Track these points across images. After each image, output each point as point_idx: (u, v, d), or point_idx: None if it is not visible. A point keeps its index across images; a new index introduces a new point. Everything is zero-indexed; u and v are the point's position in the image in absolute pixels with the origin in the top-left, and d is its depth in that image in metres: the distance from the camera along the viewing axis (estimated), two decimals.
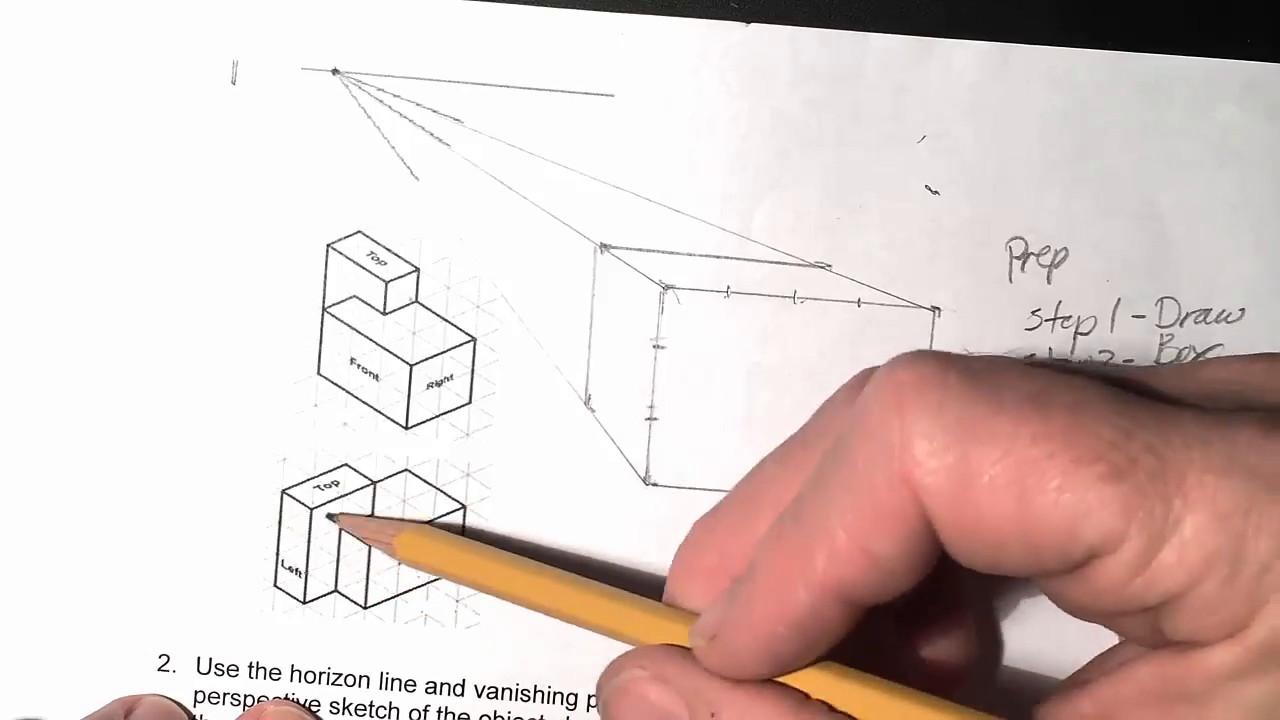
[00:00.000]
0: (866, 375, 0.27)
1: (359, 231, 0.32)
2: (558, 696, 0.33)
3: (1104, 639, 0.27)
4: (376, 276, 0.32)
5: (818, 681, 0.26)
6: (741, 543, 0.28)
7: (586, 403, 0.32)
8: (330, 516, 0.32)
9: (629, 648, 0.28)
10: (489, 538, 0.32)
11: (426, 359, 0.32)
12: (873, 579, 0.24)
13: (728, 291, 0.32)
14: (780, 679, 0.26)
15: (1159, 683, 0.24)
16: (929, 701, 0.26)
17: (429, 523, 0.32)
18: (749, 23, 0.32)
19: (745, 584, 0.26)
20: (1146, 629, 0.24)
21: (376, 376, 0.32)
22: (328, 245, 0.32)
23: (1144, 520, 0.22)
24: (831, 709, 0.26)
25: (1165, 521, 0.22)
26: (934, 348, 0.32)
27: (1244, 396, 0.25)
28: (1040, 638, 0.32)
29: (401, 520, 0.32)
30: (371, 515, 0.32)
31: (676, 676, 0.27)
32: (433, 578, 0.32)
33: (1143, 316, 0.32)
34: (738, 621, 0.26)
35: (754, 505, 0.28)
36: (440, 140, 0.32)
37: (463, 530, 0.32)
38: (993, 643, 0.33)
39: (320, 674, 0.32)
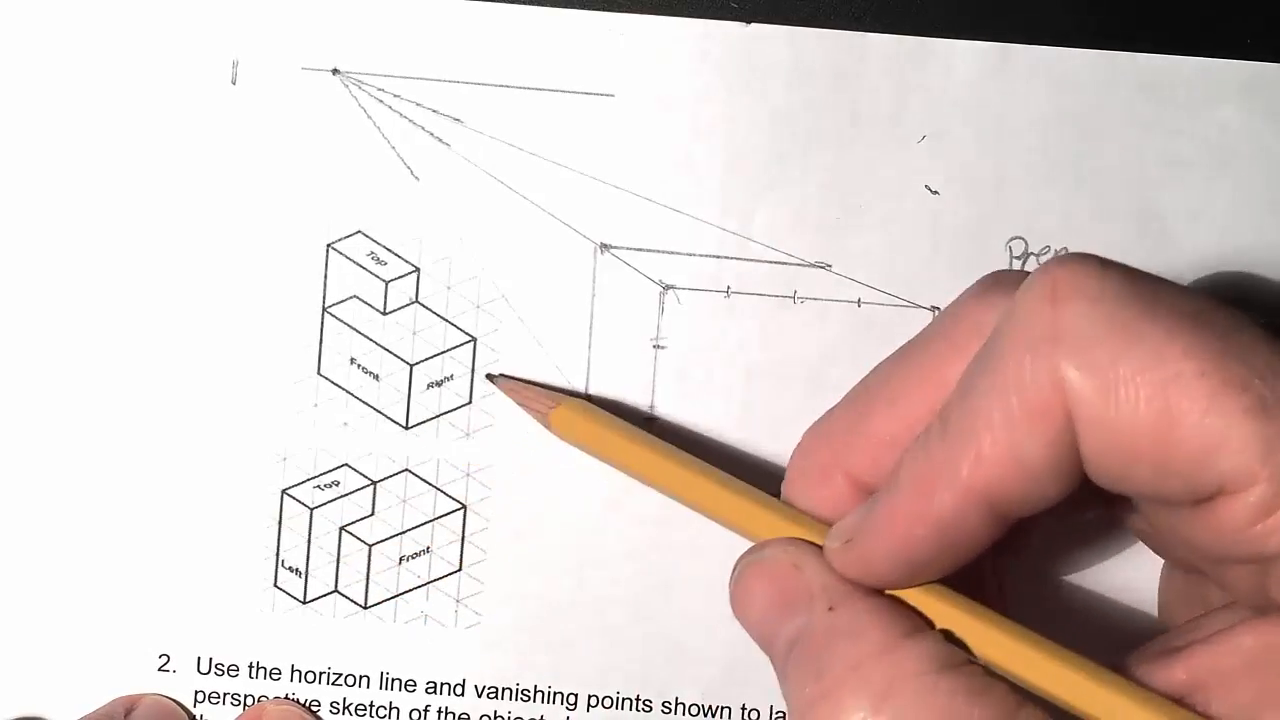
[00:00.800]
0: (995, 276, 0.26)
1: (359, 231, 0.32)
2: (558, 696, 0.33)
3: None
4: (376, 276, 0.32)
5: (941, 608, 0.26)
6: (855, 440, 0.27)
7: (488, 376, 0.32)
8: (490, 376, 0.32)
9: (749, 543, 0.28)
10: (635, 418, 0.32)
11: (426, 359, 0.32)
12: (1019, 486, 0.24)
13: (728, 291, 0.32)
14: (907, 600, 0.26)
15: (1263, 650, 0.23)
16: (1045, 645, 0.25)
17: (586, 397, 0.32)
18: (749, 23, 0.32)
19: (888, 488, 0.25)
20: (1253, 584, 0.23)
21: (376, 376, 0.32)
22: (328, 245, 0.32)
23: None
24: (949, 639, 0.25)
25: None
26: None
27: None
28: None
29: (558, 391, 0.32)
30: (529, 383, 0.32)
31: (810, 567, 0.26)
32: (432, 578, 0.32)
33: None
34: (877, 524, 0.25)
35: (867, 402, 0.27)
36: (440, 140, 0.32)
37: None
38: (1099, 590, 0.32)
39: (320, 674, 0.32)
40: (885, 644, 0.25)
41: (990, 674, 0.25)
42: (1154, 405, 0.22)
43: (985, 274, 0.27)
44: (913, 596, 0.26)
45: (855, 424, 0.27)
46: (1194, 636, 0.25)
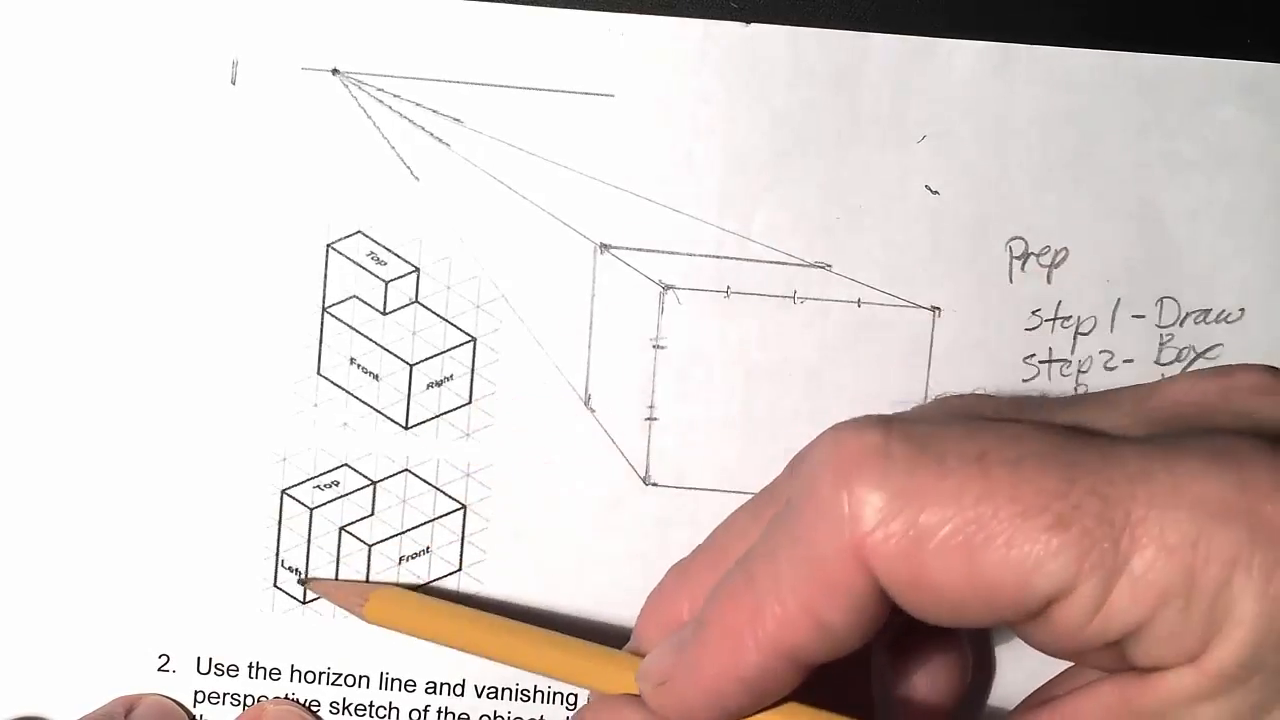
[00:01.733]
0: (779, 515, 0.27)
1: (359, 231, 0.32)
2: (558, 696, 0.33)
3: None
4: (376, 276, 0.32)
5: None
6: (706, 590, 0.28)
7: (586, 403, 0.32)
8: (301, 582, 0.32)
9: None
10: (458, 597, 0.32)
11: (426, 359, 0.32)
12: (821, 643, 0.25)
13: (728, 291, 0.32)
14: None
15: (1121, 703, 0.24)
16: None
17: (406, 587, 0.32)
18: (749, 23, 0.32)
19: (695, 634, 0.26)
20: (1111, 658, 0.24)
21: (376, 376, 0.32)
22: (328, 245, 0.32)
23: (1095, 563, 0.23)
24: None
25: (1115, 561, 0.23)
26: (934, 348, 0.32)
27: (1193, 419, 0.25)
28: (1030, 660, 0.32)
29: (369, 583, 0.32)
30: (337, 579, 0.32)
31: None
32: (432, 578, 0.32)
33: (1143, 316, 0.32)
34: (687, 672, 0.26)
35: (723, 557, 0.28)
36: (440, 140, 0.32)
37: (424, 589, 0.33)
38: (988, 666, 0.33)
39: (320, 674, 0.32)
40: None
41: None
42: (961, 554, 0.23)
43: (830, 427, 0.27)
44: None
45: (705, 573, 0.28)
46: (1063, 688, 0.27)
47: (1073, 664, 0.27)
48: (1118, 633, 0.23)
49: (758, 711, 0.26)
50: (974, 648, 0.31)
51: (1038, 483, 0.23)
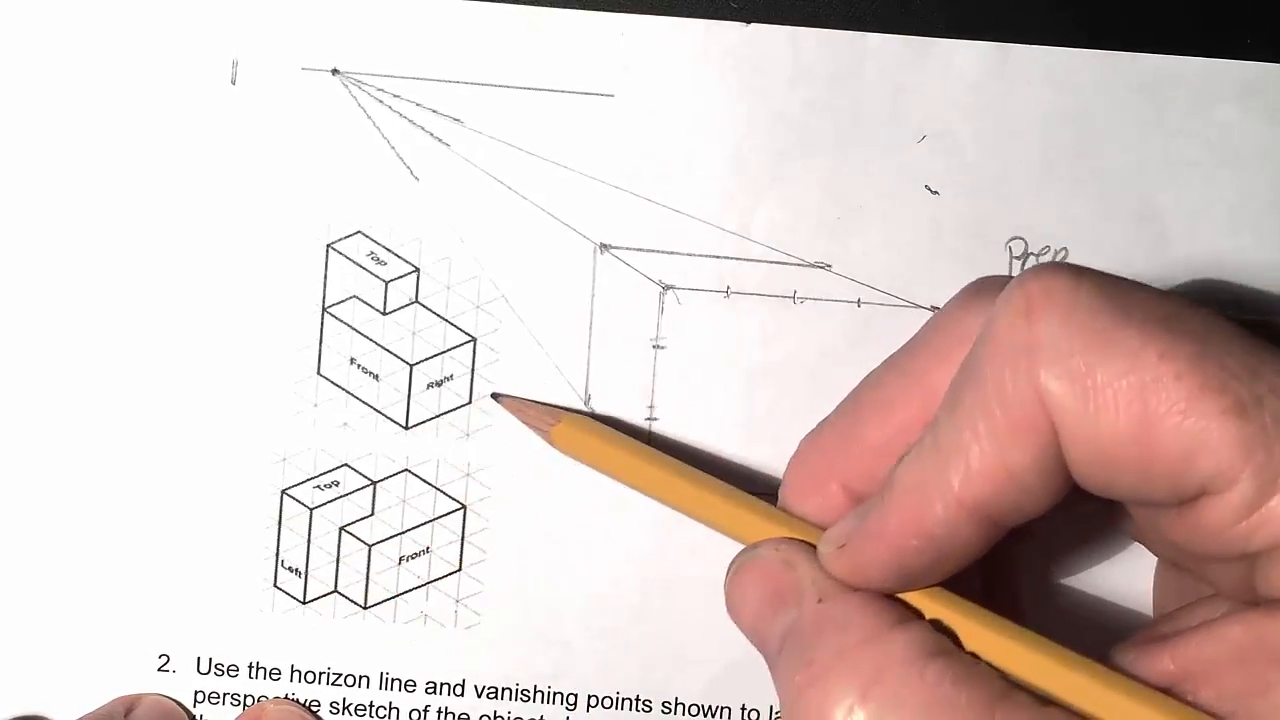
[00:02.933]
0: (980, 283, 0.27)
1: (359, 231, 0.32)
2: (558, 696, 0.33)
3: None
4: (376, 276, 0.32)
5: (928, 602, 0.26)
6: (848, 449, 0.28)
7: (586, 403, 0.32)
8: (495, 396, 0.32)
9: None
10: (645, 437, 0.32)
11: (426, 359, 0.32)
12: (1009, 496, 0.24)
13: (728, 291, 0.32)
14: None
15: (1250, 642, 0.23)
16: (1030, 637, 0.26)
17: (589, 414, 0.32)
18: (749, 23, 0.32)
19: (881, 497, 0.26)
20: (1239, 580, 0.24)
21: (376, 376, 0.32)
22: (328, 245, 0.32)
23: (1262, 463, 0.22)
24: (937, 627, 0.26)
25: None
26: None
27: None
28: (1094, 623, 0.32)
29: (560, 408, 0.32)
30: (529, 400, 0.32)
31: (802, 564, 0.27)
32: (432, 578, 0.32)
33: None
34: (870, 531, 0.25)
35: (859, 411, 0.28)
36: (440, 140, 0.32)
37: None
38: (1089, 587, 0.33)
39: (320, 674, 0.32)
40: (872, 632, 0.25)
41: (977, 661, 0.25)
42: (1132, 411, 0.23)
43: (971, 280, 0.27)
44: (909, 593, 0.26)
45: (848, 433, 0.28)
46: (1181, 625, 0.25)
47: (1181, 603, 0.27)
48: (1262, 543, 0.22)
49: (935, 581, 0.26)
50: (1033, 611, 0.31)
51: (1222, 360, 0.22)
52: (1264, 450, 0.22)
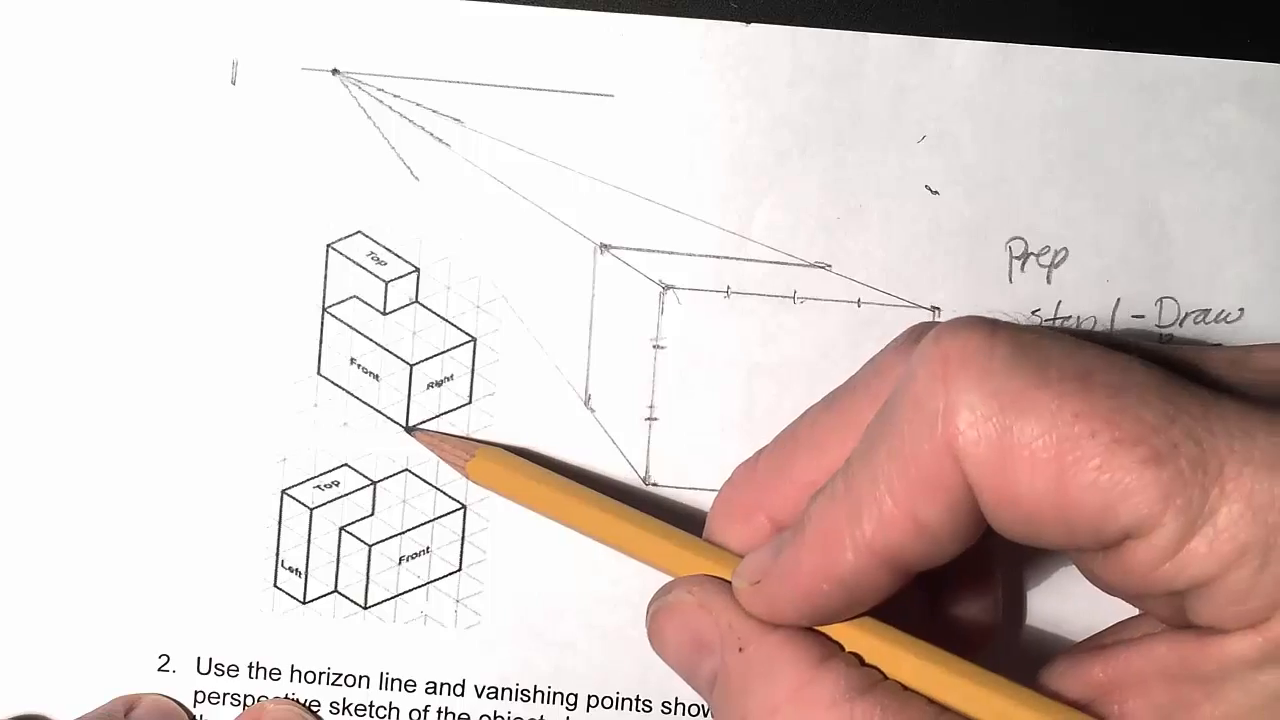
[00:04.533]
0: (918, 330, 0.27)
1: (359, 231, 0.32)
2: (558, 696, 0.33)
3: (1126, 610, 0.27)
4: (376, 276, 0.32)
5: (849, 633, 0.27)
6: (778, 483, 0.28)
7: (586, 403, 0.32)
8: (410, 429, 0.32)
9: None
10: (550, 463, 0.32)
11: (426, 359, 0.32)
12: (919, 545, 0.25)
13: (728, 291, 0.32)
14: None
15: (1175, 661, 0.24)
16: (954, 662, 0.26)
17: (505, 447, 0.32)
18: (749, 23, 0.32)
19: (793, 537, 0.26)
20: (1171, 610, 0.24)
21: (376, 376, 0.32)
22: (328, 245, 0.32)
23: (1181, 507, 0.22)
24: (861, 661, 0.26)
25: (1201, 510, 0.22)
26: None
27: None
28: (1064, 604, 0.32)
29: (476, 441, 0.32)
30: (445, 434, 0.32)
31: (718, 608, 0.28)
32: (432, 578, 0.32)
33: (1142, 316, 0.32)
34: (783, 572, 0.26)
35: (795, 447, 0.28)
36: (440, 140, 0.32)
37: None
38: (1017, 606, 0.33)
39: (320, 674, 0.32)
40: (797, 682, 0.26)
41: (905, 690, 0.26)
42: (1049, 470, 0.23)
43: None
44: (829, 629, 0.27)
45: (779, 468, 0.28)
46: (1114, 638, 0.27)
47: (1123, 618, 0.27)
48: (1187, 582, 0.23)
49: (846, 619, 0.26)
50: (1007, 591, 0.31)
51: (1138, 413, 0.23)
52: (1182, 494, 0.22)
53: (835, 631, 0.27)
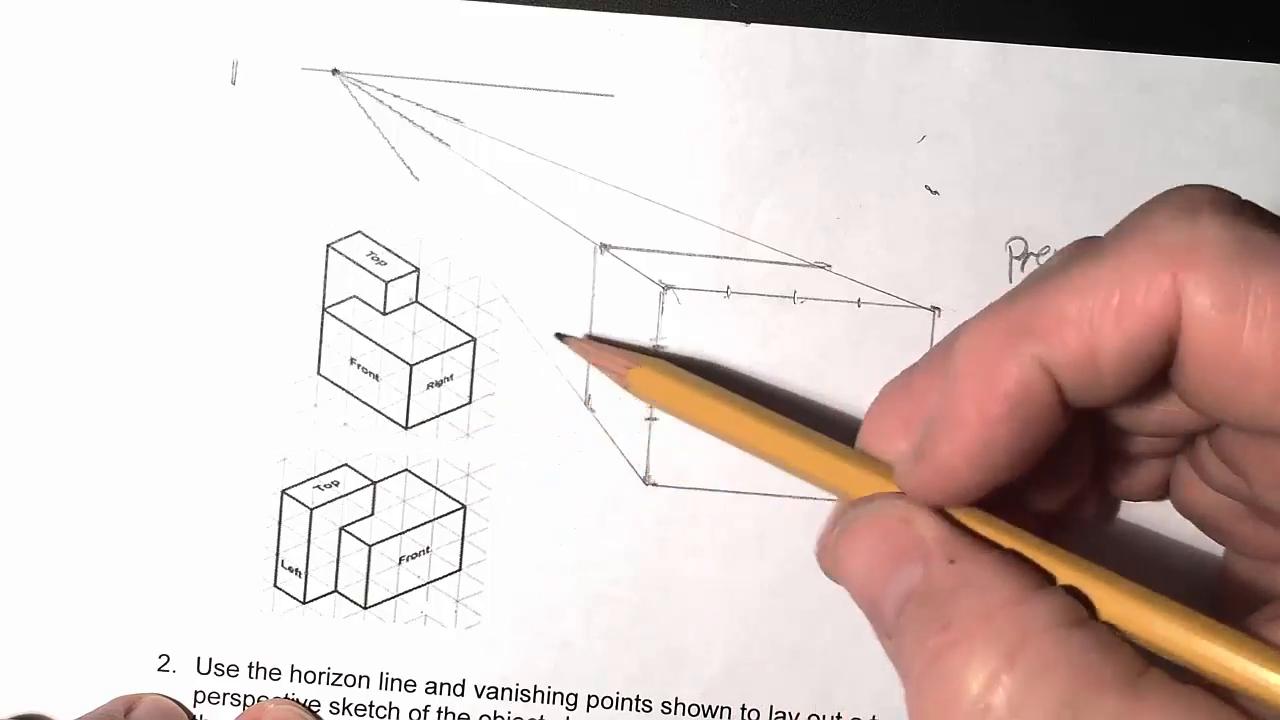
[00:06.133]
0: (1084, 242, 0.26)
1: (359, 231, 0.32)
2: (558, 696, 0.33)
3: None
4: (376, 276, 0.32)
5: (1061, 567, 0.25)
6: (936, 387, 0.26)
7: (586, 403, 0.32)
8: (559, 336, 0.32)
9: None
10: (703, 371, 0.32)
11: (426, 359, 0.32)
12: (1082, 374, 0.23)
13: (728, 291, 0.32)
14: (1028, 555, 0.25)
15: None
16: (1171, 605, 0.24)
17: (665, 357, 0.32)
18: (748, 23, 0.32)
19: (948, 384, 0.24)
20: None
21: (376, 376, 0.32)
22: (328, 245, 0.32)
23: None
24: (1076, 593, 0.25)
25: None
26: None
27: None
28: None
29: (638, 351, 0.32)
30: (602, 343, 0.32)
31: (922, 522, 0.26)
32: (432, 578, 0.32)
33: None
34: (947, 416, 0.24)
35: (948, 351, 0.26)
36: (440, 140, 0.32)
37: None
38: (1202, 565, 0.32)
39: (320, 674, 0.32)
40: (1015, 596, 0.24)
41: (1115, 632, 0.24)
42: (1278, 328, 0.22)
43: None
44: (1032, 553, 0.25)
45: (934, 370, 0.27)
46: None
47: (1248, 598, 0.26)
48: None
49: (1022, 469, 0.25)
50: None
51: None
52: None
53: (1050, 565, 0.25)
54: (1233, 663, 0.23)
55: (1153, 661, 0.23)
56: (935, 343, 0.32)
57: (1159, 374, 0.23)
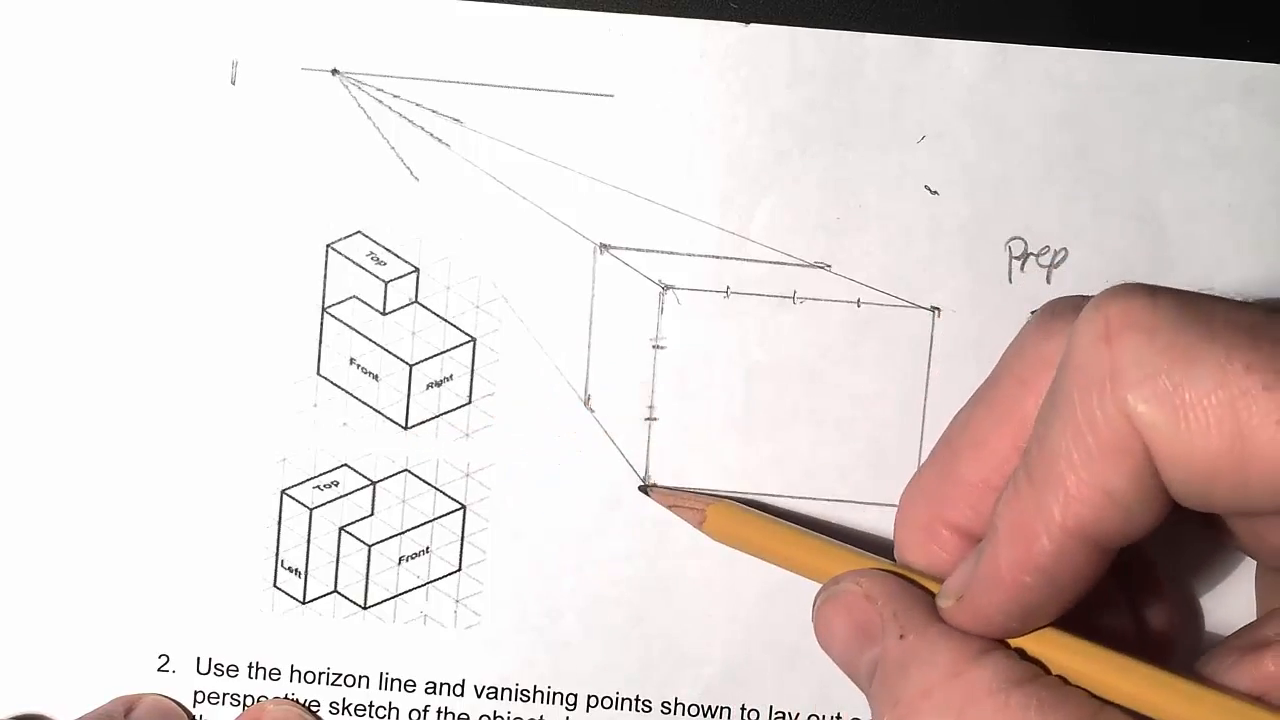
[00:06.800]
0: (1053, 306, 0.27)
1: (359, 231, 0.32)
2: (558, 696, 0.33)
3: None
4: (376, 276, 0.32)
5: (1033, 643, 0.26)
6: (949, 490, 0.28)
7: (586, 403, 0.32)
8: (643, 489, 0.32)
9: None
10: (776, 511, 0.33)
11: (426, 359, 0.32)
12: (1111, 518, 0.24)
13: (727, 291, 0.32)
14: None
15: None
16: (1117, 657, 0.26)
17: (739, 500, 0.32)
18: (748, 23, 0.32)
19: (989, 541, 0.26)
20: None
21: (376, 376, 0.32)
22: (328, 245, 0.32)
23: None
24: (1023, 656, 0.26)
25: None
26: (934, 348, 0.32)
27: None
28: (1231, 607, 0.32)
29: (709, 495, 0.32)
30: (680, 489, 0.32)
31: (883, 597, 0.27)
32: (432, 578, 0.32)
33: None
34: (984, 576, 0.26)
35: (953, 452, 0.28)
36: (440, 140, 0.32)
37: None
38: (1190, 613, 0.32)
39: (320, 674, 0.32)
40: (955, 667, 0.25)
41: (1065, 684, 0.25)
42: (1225, 427, 0.22)
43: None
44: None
45: (946, 475, 0.28)
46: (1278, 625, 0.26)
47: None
48: None
49: (1060, 613, 0.26)
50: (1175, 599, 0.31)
51: None
52: None
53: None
54: (1173, 708, 0.25)
55: (1111, 706, 0.25)
56: (934, 344, 0.32)
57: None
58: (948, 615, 0.27)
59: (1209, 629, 0.33)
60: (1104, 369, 0.23)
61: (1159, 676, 0.25)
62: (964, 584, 0.26)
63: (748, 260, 0.32)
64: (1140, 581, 0.30)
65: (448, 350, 0.32)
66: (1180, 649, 0.30)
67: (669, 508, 0.32)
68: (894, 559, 0.29)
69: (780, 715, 0.33)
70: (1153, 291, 0.24)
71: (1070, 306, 0.26)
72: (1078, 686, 0.25)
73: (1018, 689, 0.25)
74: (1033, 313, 0.28)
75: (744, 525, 0.31)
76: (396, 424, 0.32)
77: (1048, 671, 0.26)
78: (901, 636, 0.26)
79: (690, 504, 0.32)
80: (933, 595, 0.28)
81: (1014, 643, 0.26)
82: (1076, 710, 0.24)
